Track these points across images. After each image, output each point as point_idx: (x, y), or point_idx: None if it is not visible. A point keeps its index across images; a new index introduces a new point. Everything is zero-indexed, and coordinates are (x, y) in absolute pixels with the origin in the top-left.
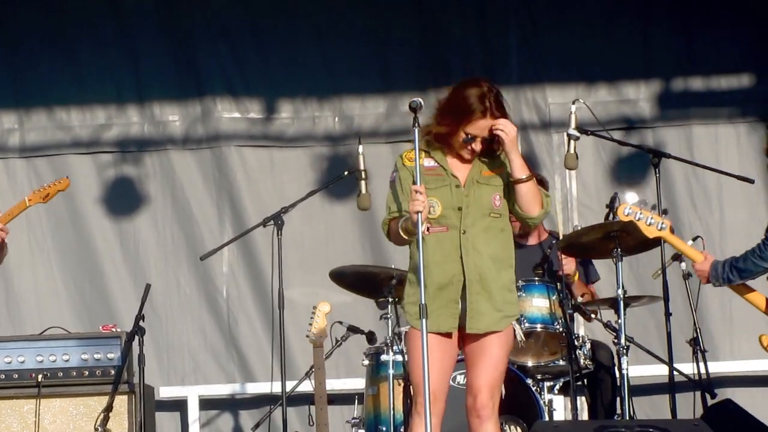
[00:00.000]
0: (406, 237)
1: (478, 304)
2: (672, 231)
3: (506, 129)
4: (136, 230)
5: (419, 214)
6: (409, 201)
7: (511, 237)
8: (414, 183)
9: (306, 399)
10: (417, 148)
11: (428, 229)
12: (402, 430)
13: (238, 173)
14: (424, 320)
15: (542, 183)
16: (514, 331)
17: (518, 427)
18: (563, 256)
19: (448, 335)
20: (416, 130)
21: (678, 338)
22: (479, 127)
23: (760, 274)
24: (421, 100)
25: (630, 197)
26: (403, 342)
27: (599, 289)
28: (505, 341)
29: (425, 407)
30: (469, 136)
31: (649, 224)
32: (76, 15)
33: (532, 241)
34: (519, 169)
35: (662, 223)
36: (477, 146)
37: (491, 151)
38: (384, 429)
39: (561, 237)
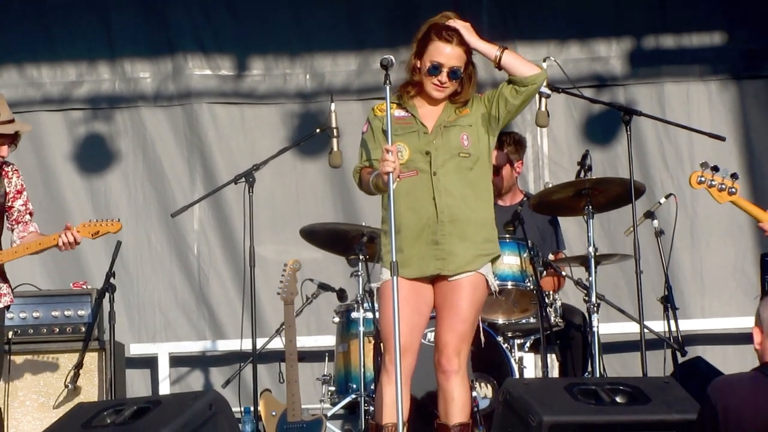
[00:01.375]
0: (377, 192)
1: (451, 246)
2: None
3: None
4: (107, 187)
5: (390, 174)
6: (380, 161)
7: (485, 175)
8: (384, 131)
9: (276, 356)
10: (388, 105)
11: (399, 177)
12: (372, 387)
13: (210, 130)
14: (395, 278)
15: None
16: (487, 282)
17: (489, 385)
18: (544, 277)
19: (428, 283)
20: (387, 87)
21: (649, 296)
22: (441, 53)
23: None
24: (392, 57)
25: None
26: (375, 297)
27: (570, 246)
28: (474, 294)
29: (395, 364)
30: (434, 64)
31: (721, 190)
32: None
33: (507, 202)
34: (489, 50)
35: (732, 188)
36: (443, 78)
37: (462, 99)
38: (354, 386)
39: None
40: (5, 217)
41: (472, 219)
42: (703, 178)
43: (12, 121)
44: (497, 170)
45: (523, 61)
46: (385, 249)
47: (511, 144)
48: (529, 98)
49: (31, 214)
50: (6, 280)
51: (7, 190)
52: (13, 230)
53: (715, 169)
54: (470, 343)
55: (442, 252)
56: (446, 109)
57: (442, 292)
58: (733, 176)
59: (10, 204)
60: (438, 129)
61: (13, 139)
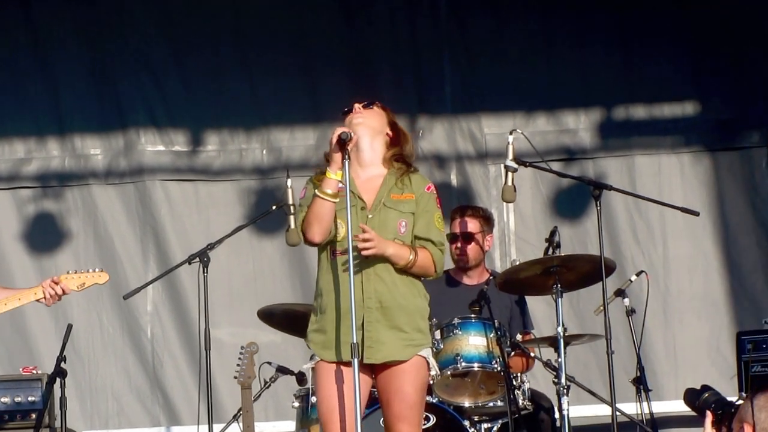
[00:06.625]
0: (324, 198)
1: (377, 333)
2: None
3: (365, 246)
4: (57, 267)
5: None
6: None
7: None
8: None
9: None
10: (347, 180)
11: (334, 253)
12: None
13: (163, 208)
14: (356, 360)
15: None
16: (428, 363)
17: None
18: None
19: (361, 363)
20: (347, 163)
21: (621, 377)
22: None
23: None
24: (351, 131)
25: None
26: (310, 379)
27: (539, 326)
28: (417, 377)
29: None
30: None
31: None
32: None
33: (474, 280)
34: (399, 260)
35: None
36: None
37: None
38: None
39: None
40: None
41: (403, 306)
42: None
43: None
44: (469, 237)
45: (424, 272)
46: (311, 327)
47: (478, 218)
48: None
49: None
50: None
51: None
52: None
53: None
54: (421, 424)
55: (368, 339)
56: (386, 182)
57: (385, 376)
58: None
59: None
60: (377, 206)
61: None
